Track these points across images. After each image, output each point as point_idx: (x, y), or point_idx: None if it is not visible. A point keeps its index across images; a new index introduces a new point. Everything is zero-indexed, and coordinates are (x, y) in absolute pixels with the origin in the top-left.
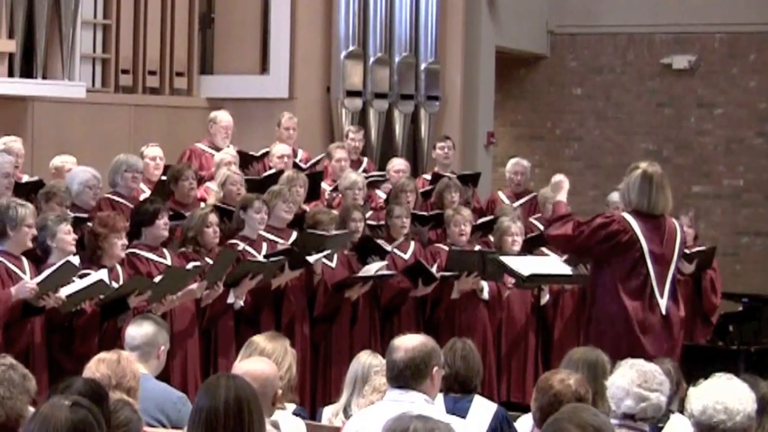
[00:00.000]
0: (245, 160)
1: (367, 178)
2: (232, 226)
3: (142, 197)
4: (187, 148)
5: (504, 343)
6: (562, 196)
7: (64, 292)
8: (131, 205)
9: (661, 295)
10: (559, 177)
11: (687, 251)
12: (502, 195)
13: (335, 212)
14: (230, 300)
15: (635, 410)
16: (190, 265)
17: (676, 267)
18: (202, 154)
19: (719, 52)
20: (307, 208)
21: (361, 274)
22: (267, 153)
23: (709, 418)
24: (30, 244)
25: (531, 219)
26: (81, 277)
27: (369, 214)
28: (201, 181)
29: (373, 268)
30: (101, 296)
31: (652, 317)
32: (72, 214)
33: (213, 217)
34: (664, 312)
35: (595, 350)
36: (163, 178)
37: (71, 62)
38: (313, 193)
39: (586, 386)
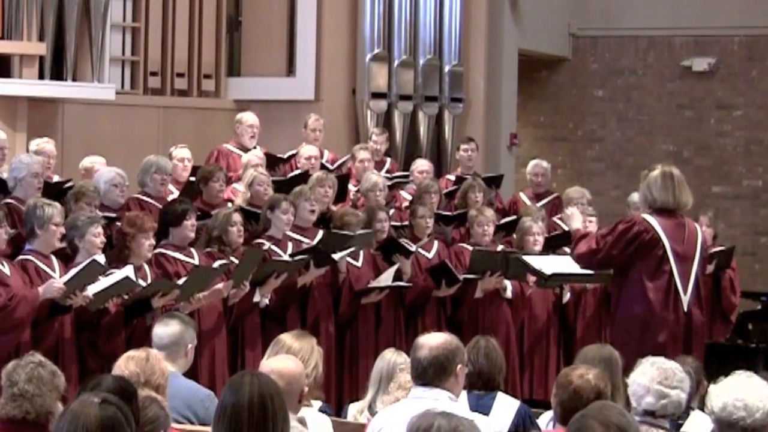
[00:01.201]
0: (272, 163)
1: (391, 179)
2: (259, 228)
3: (170, 198)
4: (214, 149)
5: (526, 341)
6: (577, 225)
7: (92, 290)
8: (159, 206)
9: (684, 293)
10: (570, 209)
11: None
12: (523, 196)
13: (362, 214)
14: (256, 299)
15: (656, 407)
16: (216, 264)
17: (699, 266)
18: (230, 154)
19: (738, 54)
20: (334, 209)
21: (374, 284)
22: (294, 155)
23: (729, 415)
24: (58, 244)
25: (553, 219)
26: (107, 275)
27: (391, 212)
28: (228, 181)
29: (388, 277)
30: (126, 296)
31: (675, 315)
32: (102, 214)
33: (237, 217)
34: (686, 310)
35: (606, 347)
36: (192, 179)
37: (101, 64)
38: (341, 195)
39: (605, 380)
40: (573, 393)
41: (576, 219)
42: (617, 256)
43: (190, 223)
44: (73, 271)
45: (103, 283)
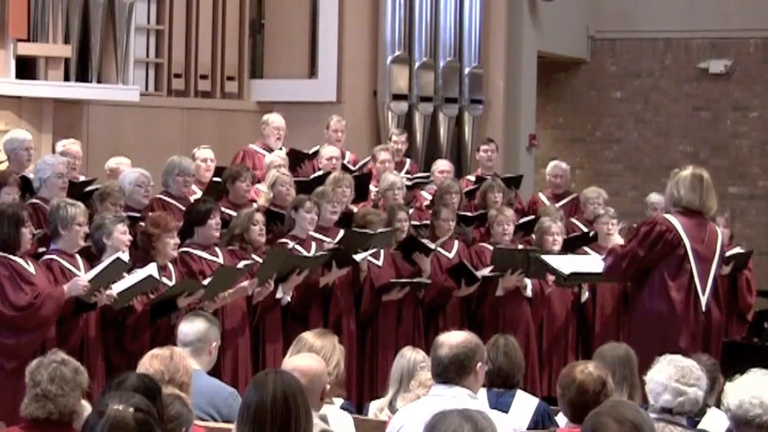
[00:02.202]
0: (297, 160)
1: (411, 179)
2: (284, 229)
3: (193, 198)
4: (240, 149)
5: (545, 339)
6: (616, 242)
7: (116, 289)
8: (182, 206)
9: (703, 293)
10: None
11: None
12: (542, 196)
13: (383, 213)
14: (278, 295)
15: (673, 404)
16: (240, 264)
17: (717, 267)
18: (255, 154)
19: (754, 57)
20: (355, 208)
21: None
22: (318, 152)
23: (745, 413)
24: (82, 243)
25: (572, 219)
26: (130, 272)
27: (411, 212)
28: (253, 181)
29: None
30: (151, 295)
31: (694, 314)
32: (126, 214)
33: (259, 216)
34: (704, 309)
35: (622, 345)
36: (215, 179)
37: (125, 67)
38: (362, 194)
39: (605, 370)
40: (579, 389)
41: (615, 238)
42: (645, 257)
43: (215, 221)
44: (97, 269)
45: (126, 281)
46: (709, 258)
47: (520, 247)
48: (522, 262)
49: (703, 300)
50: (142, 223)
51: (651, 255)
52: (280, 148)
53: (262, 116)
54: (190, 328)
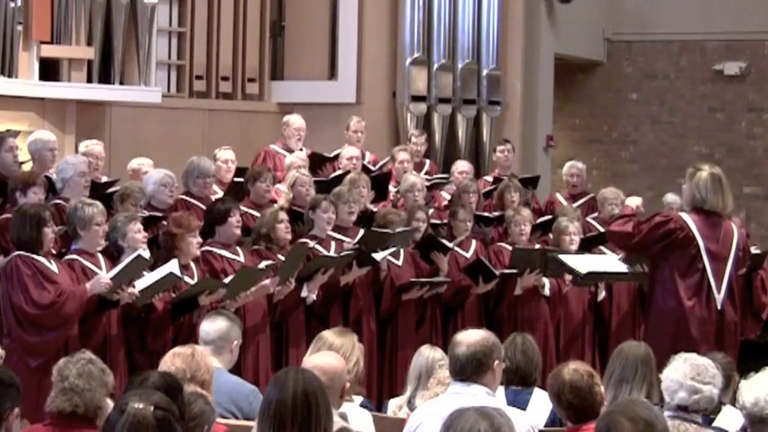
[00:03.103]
0: (318, 162)
1: (430, 180)
2: (304, 230)
3: (214, 198)
4: (261, 149)
5: (562, 337)
6: (632, 202)
7: (138, 286)
8: (204, 207)
9: (718, 291)
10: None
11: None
12: (559, 196)
13: (404, 213)
14: (303, 294)
15: (688, 402)
16: (261, 264)
17: (733, 266)
18: (276, 155)
19: None
20: (374, 208)
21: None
22: (338, 155)
23: (760, 410)
24: (103, 242)
25: (588, 219)
26: (152, 269)
27: (431, 212)
28: (274, 182)
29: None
30: (173, 293)
31: (708, 313)
32: (142, 213)
33: (284, 214)
34: (719, 308)
35: (641, 344)
36: (236, 179)
37: (147, 68)
38: (381, 194)
39: (587, 365)
40: (572, 389)
41: (633, 200)
42: (648, 246)
43: (235, 219)
44: (119, 266)
45: (148, 279)
46: (725, 256)
47: (538, 246)
48: (540, 262)
49: (719, 299)
50: (165, 223)
51: (655, 247)
52: (301, 149)
53: (282, 117)
54: (211, 326)
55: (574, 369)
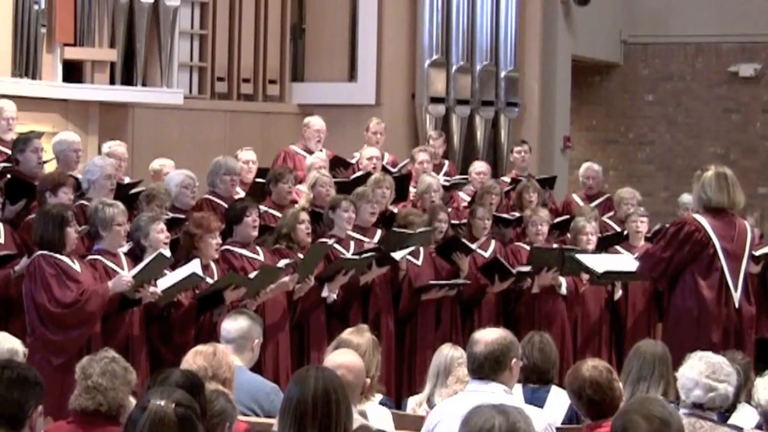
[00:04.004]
0: (339, 165)
1: (449, 180)
2: (324, 229)
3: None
4: (281, 150)
5: (579, 336)
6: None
7: (160, 286)
8: (228, 206)
9: (735, 290)
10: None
11: (755, 253)
12: (576, 197)
13: (425, 214)
14: (324, 294)
15: (704, 400)
16: (281, 263)
17: (748, 263)
18: (296, 155)
19: None
20: (395, 209)
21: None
22: (358, 159)
23: None
24: (124, 242)
25: (604, 218)
26: (173, 267)
27: (449, 211)
28: (295, 182)
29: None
30: (197, 290)
31: (726, 311)
32: (166, 215)
33: (305, 215)
34: (737, 305)
35: (658, 343)
36: (258, 180)
37: (169, 70)
38: (402, 195)
39: (605, 362)
40: (593, 385)
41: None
42: (672, 257)
43: (251, 219)
44: (140, 265)
45: (170, 278)
46: (740, 255)
47: (555, 246)
48: (557, 261)
49: (736, 297)
50: (187, 224)
51: (680, 255)
52: (321, 150)
53: (303, 119)
54: (232, 325)
55: (593, 366)
